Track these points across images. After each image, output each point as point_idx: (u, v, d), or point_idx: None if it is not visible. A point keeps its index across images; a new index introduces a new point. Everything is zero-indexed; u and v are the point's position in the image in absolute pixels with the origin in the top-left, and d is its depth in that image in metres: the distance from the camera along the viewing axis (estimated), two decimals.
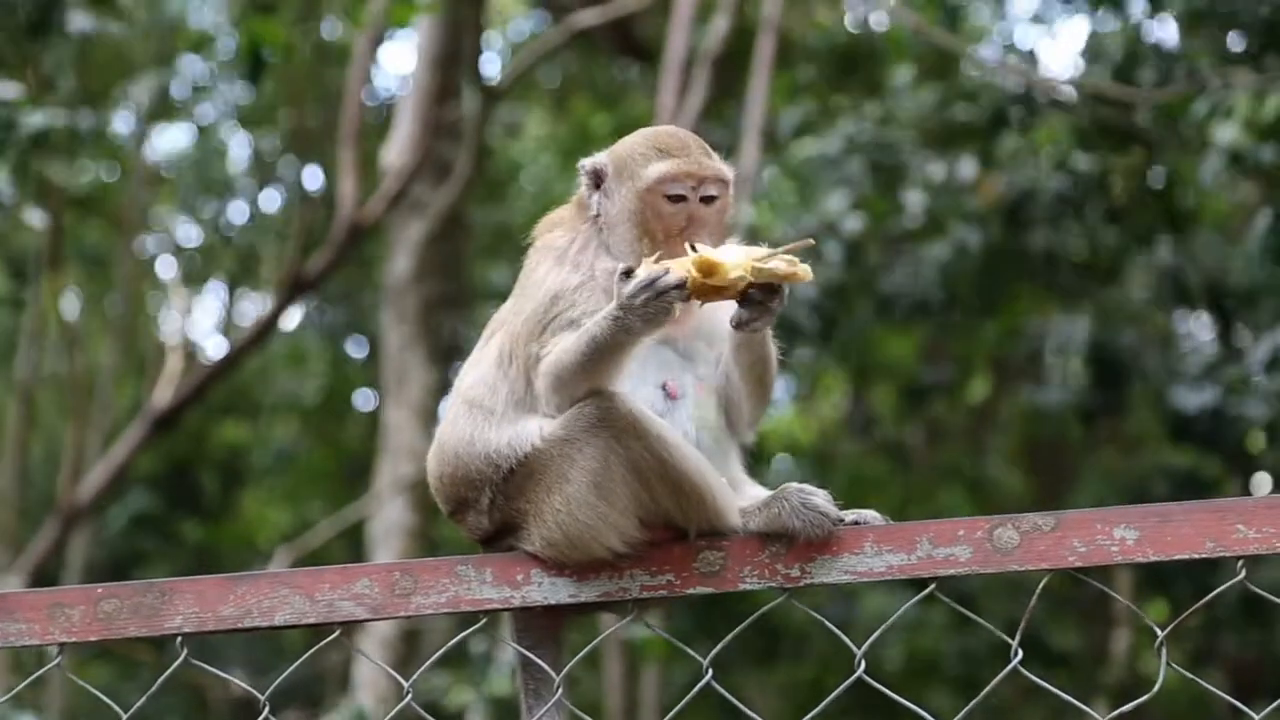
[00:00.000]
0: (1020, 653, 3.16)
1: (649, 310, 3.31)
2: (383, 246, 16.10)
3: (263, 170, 21.18)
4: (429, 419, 13.62)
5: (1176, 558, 3.08)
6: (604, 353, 3.39)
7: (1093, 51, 13.10)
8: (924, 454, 19.92)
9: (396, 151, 13.91)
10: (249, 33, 12.74)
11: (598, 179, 3.69)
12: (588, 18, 15.06)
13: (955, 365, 17.74)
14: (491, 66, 18.76)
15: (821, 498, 3.27)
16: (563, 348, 3.47)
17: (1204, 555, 3.06)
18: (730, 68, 14.78)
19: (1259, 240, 11.34)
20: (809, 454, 20.58)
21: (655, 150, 3.66)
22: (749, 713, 3.29)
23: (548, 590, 3.30)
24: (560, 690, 3.42)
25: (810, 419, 21.97)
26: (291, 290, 13.09)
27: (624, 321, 3.33)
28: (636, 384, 3.53)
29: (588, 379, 3.43)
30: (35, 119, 10.48)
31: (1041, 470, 18.87)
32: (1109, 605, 16.37)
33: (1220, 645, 16.09)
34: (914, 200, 13.06)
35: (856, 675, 3.25)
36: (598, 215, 3.68)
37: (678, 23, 14.04)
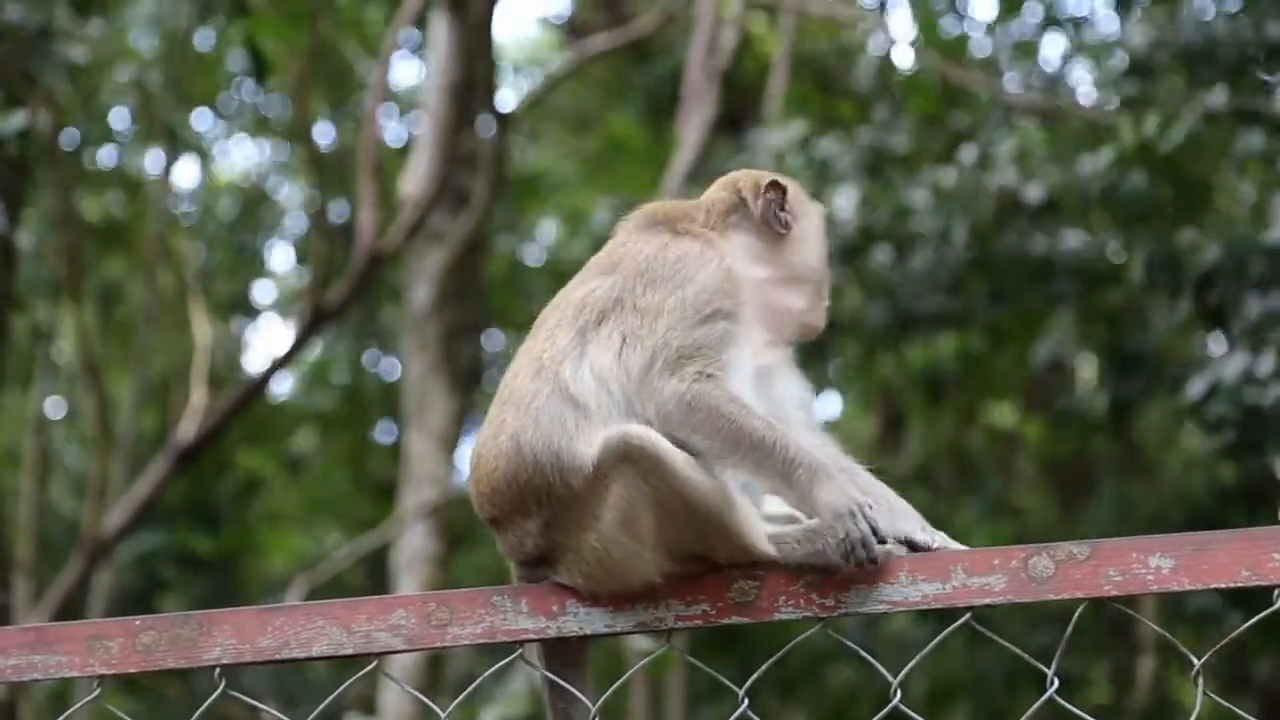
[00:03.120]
0: (1056, 681, 3.17)
1: (853, 548, 3.21)
2: (403, 274, 16.16)
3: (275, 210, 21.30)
4: (450, 446, 13.68)
5: (1213, 586, 3.08)
6: (774, 473, 3.30)
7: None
8: (951, 478, 19.96)
9: (414, 181, 13.96)
10: (245, 31, 12.93)
11: (784, 196, 3.64)
12: (601, 42, 15.17)
13: (975, 387, 17.76)
14: (507, 94, 18.85)
15: (863, 531, 3.22)
16: (745, 410, 3.30)
17: (1240, 584, 3.05)
18: (744, 86, 14.91)
19: None
20: None
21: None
22: None
23: (584, 620, 3.30)
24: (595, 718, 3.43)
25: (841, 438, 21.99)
26: (313, 320, 13.13)
27: (835, 511, 3.24)
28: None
29: (731, 456, 3.31)
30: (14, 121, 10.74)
31: (1064, 492, 18.88)
32: (1133, 631, 16.34)
33: (1251, 672, 16.06)
34: (920, 198, 13.27)
35: (893, 704, 3.25)
36: (785, 228, 3.61)
37: (697, 38, 14.25)
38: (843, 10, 15.84)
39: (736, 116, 16.22)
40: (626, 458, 3.28)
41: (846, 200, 13.39)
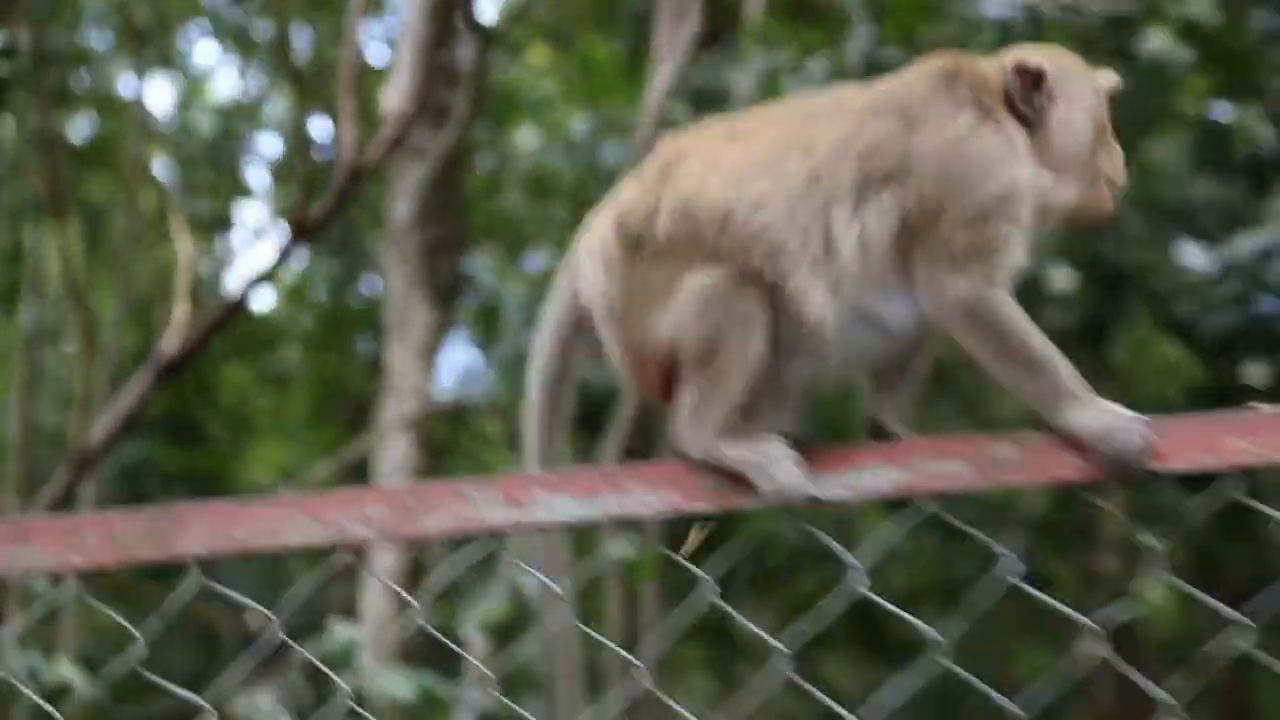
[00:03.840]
0: (1013, 564, 3.16)
1: (1136, 447, 3.05)
2: (384, 192, 16.12)
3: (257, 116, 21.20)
4: (430, 358, 13.71)
5: (1176, 469, 3.08)
6: (1038, 389, 3.14)
7: None
8: (931, 390, 20.01)
9: (395, 97, 13.90)
10: None
11: (1037, 80, 3.28)
12: None
13: None
14: (488, 9, 18.75)
15: (788, 470, 3.15)
16: (1026, 325, 3.14)
17: (1199, 469, 3.06)
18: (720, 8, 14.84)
19: None
20: None
21: (1085, 64, 3.41)
22: (751, 626, 3.30)
23: (554, 510, 3.29)
24: (565, 605, 3.45)
25: None
26: (295, 234, 13.10)
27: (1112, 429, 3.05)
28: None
29: (1000, 365, 3.16)
30: None
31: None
32: (1096, 532, 16.47)
33: (1215, 571, 16.18)
34: None
35: (857, 593, 3.24)
36: (1034, 119, 3.27)
37: None
38: None
39: (717, 33, 16.12)
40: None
41: None
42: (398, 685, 9.51)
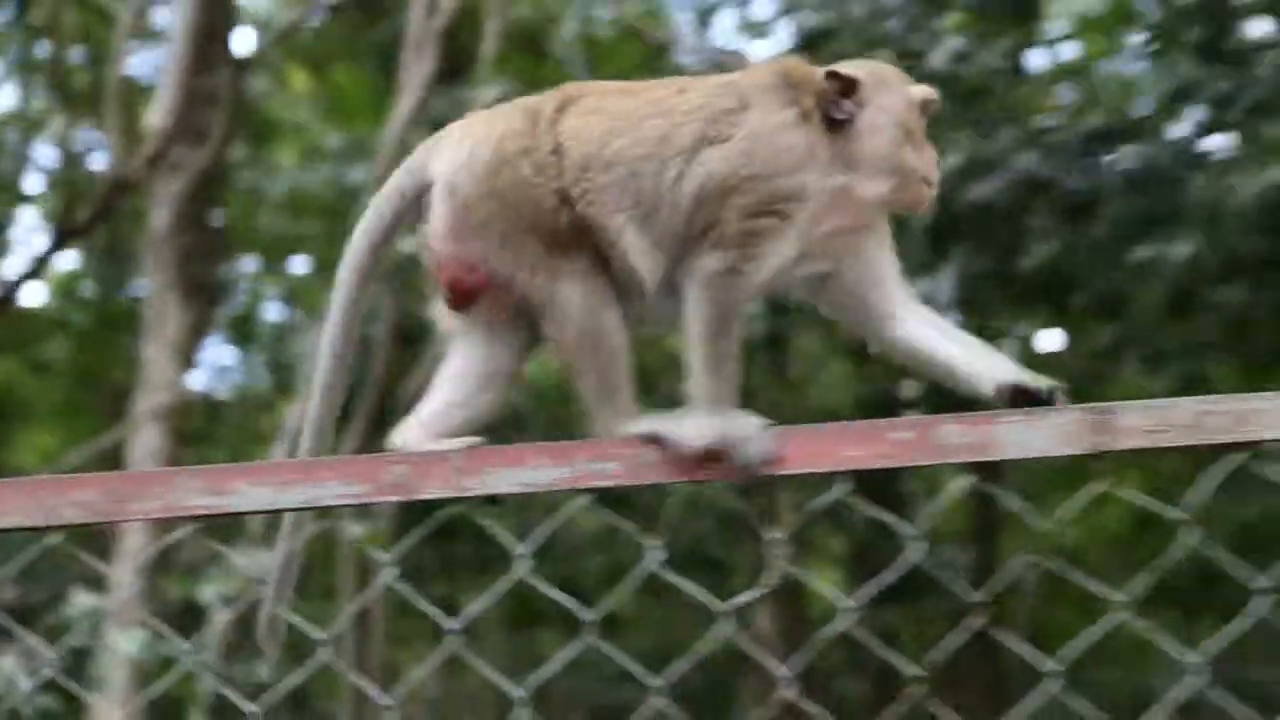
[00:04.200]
0: (657, 554, 3.22)
1: (759, 453, 3.07)
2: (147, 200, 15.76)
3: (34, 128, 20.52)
4: (185, 355, 13.46)
5: (795, 471, 3.17)
6: (706, 380, 3.15)
7: None
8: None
9: (159, 116, 13.63)
10: None
11: (849, 88, 3.26)
12: None
13: None
14: (246, 39, 18.46)
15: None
16: (737, 321, 3.14)
17: (805, 470, 3.15)
18: (461, 43, 14.88)
19: None
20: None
21: (903, 77, 3.39)
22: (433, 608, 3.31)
23: (250, 499, 3.24)
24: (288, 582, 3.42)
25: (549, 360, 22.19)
26: (62, 237, 12.78)
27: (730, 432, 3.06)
28: None
29: (702, 345, 3.15)
30: None
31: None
32: (775, 523, 16.81)
33: (873, 559, 16.60)
34: None
35: (521, 574, 3.27)
36: (845, 121, 3.24)
37: (416, 2, 14.20)
38: None
39: (455, 70, 16.12)
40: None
41: None
42: (130, 644, 9.39)
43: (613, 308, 3.20)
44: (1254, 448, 2.97)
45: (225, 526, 3.08)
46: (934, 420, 3.11)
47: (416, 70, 13.80)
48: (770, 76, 3.27)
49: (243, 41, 17.61)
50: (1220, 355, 11.78)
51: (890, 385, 14.17)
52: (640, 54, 14.37)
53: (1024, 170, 11.67)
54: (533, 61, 15.37)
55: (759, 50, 14.78)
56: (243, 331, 21.11)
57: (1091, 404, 3.07)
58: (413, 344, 15.95)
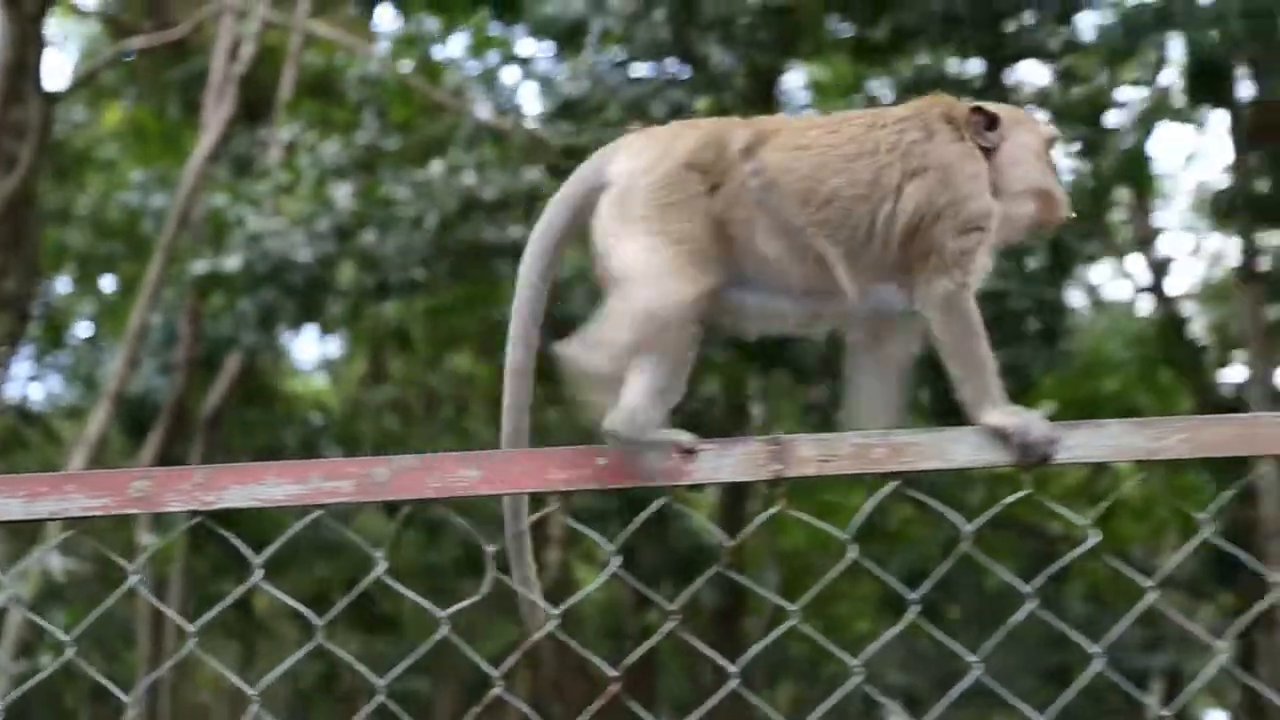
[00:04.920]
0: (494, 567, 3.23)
1: (1044, 438, 3.01)
2: None
3: None
4: None
5: (510, 491, 3.20)
6: (974, 385, 3.09)
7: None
8: (420, 407, 20.15)
9: None
10: None
11: (993, 122, 3.29)
12: (140, 41, 14.65)
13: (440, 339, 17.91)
14: (56, 77, 17.99)
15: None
16: (981, 325, 3.12)
17: (534, 489, 3.18)
18: (261, 87, 14.69)
19: None
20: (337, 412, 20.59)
21: (1033, 117, 3.45)
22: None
23: (60, 505, 3.15)
24: None
25: (341, 383, 21.91)
26: None
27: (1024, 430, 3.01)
28: None
29: (955, 357, 3.11)
30: None
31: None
32: (547, 529, 16.87)
33: (635, 561, 16.76)
34: (402, 193, 13.52)
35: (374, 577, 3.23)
36: (993, 151, 3.28)
37: (220, 46, 13.95)
38: (342, 35, 15.71)
39: (255, 111, 15.89)
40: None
41: (344, 191, 13.61)
42: None
43: (692, 337, 3.18)
44: (907, 476, 3.09)
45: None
46: None
47: (217, 111, 13.56)
48: (936, 110, 3.30)
49: (53, 76, 17.15)
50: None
51: None
52: (423, 103, 14.34)
53: None
54: (324, 106, 15.23)
55: (531, 109, 14.92)
56: (53, 343, 20.54)
57: (773, 435, 3.15)
58: (209, 365, 15.66)
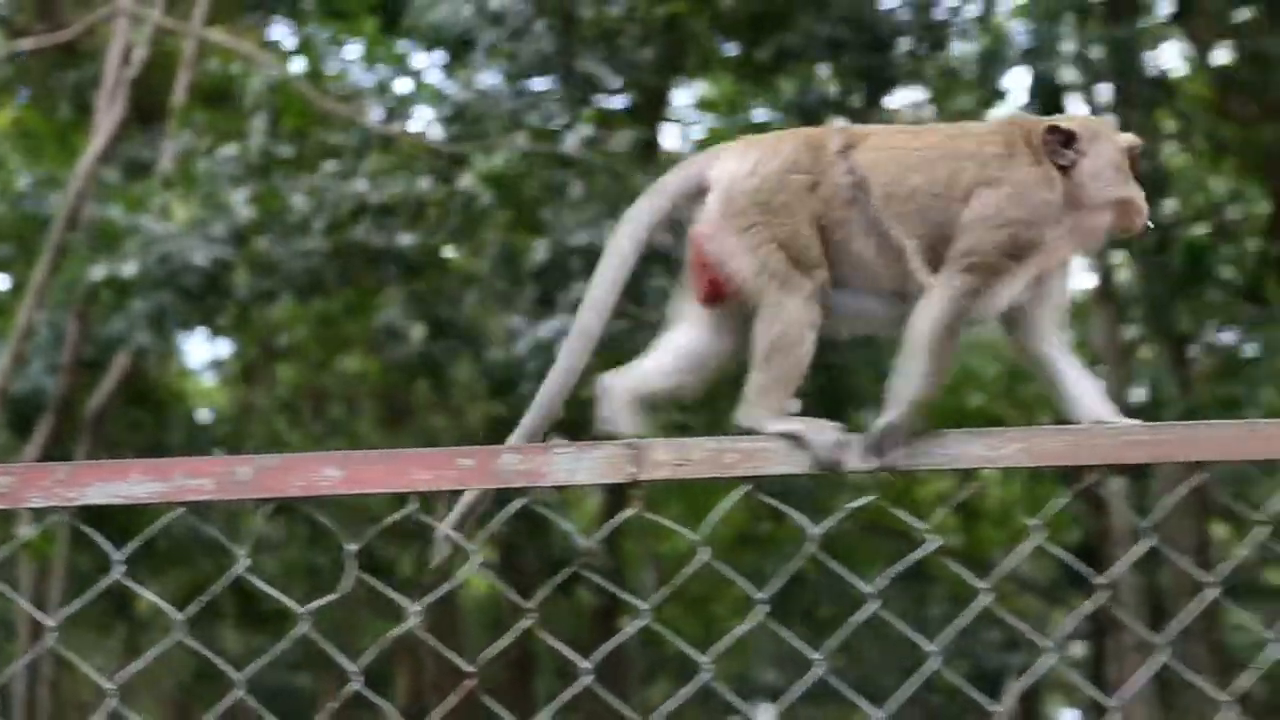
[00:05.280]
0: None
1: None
2: None
3: None
4: None
5: (372, 491, 3.16)
6: (912, 387, 3.13)
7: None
8: (310, 406, 20.01)
9: None
10: None
11: (1069, 139, 3.28)
12: (30, 43, 14.37)
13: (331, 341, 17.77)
14: None
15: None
16: (954, 342, 3.16)
17: (389, 489, 3.14)
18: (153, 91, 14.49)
19: None
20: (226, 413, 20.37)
21: (1112, 127, 3.46)
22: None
23: None
24: None
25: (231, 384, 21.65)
26: None
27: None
28: None
29: (917, 357, 3.15)
30: None
31: (390, 419, 19.24)
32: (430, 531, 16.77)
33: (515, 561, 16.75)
34: (299, 201, 13.44)
35: (240, 574, 3.17)
36: (1070, 167, 3.27)
37: (113, 50, 13.72)
38: (236, 42, 15.52)
39: (147, 115, 15.62)
40: None
41: (241, 196, 13.52)
42: None
43: (816, 330, 3.20)
44: (759, 481, 3.10)
45: None
46: (496, 450, 3.14)
47: (109, 113, 13.30)
48: (1016, 130, 3.32)
49: None
50: None
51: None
52: (316, 112, 14.20)
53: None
54: (218, 112, 15.03)
55: (422, 118, 14.85)
56: None
57: (629, 440, 3.15)
58: (93, 367, 15.37)
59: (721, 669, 3.16)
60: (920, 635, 3.01)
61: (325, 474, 3.16)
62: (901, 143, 3.32)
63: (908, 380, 3.12)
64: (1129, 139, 3.44)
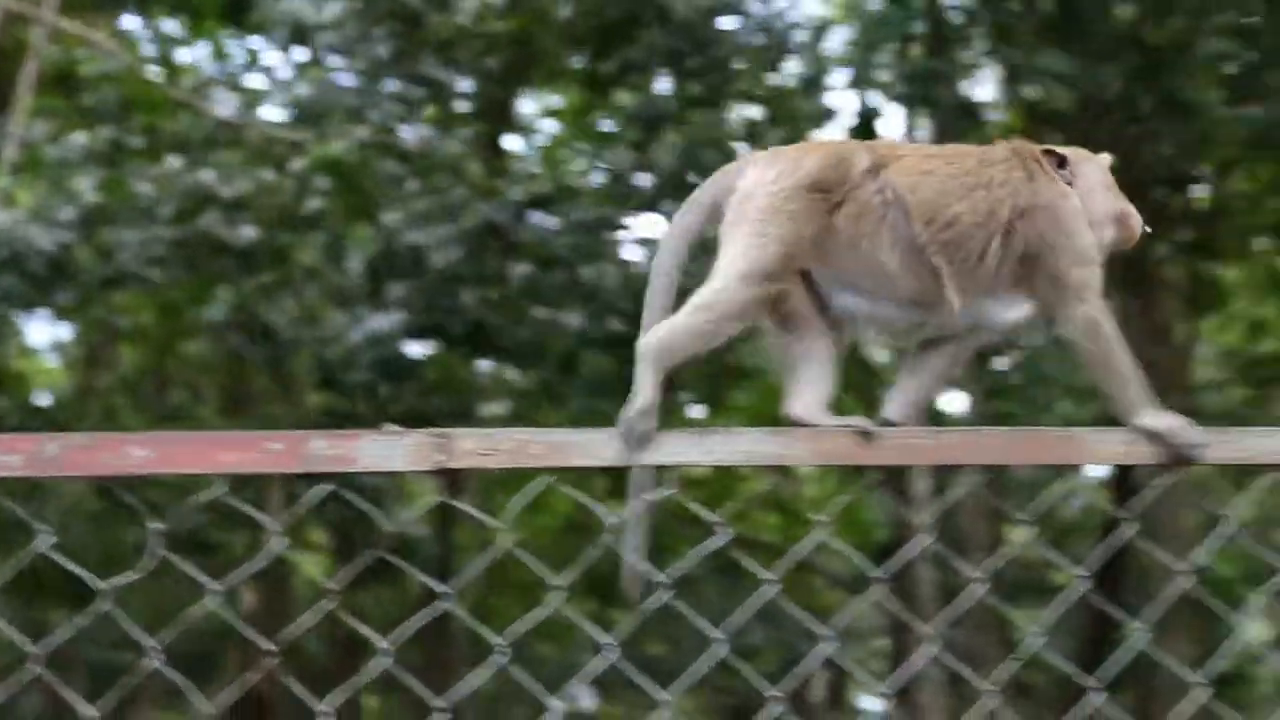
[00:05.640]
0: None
1: (1186, 445, 3.20)
2: None
3: None
4: None
5: (181, 471, 3.09)
6: (1121, 392, 3.24)
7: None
8: (154, 394, 19.62)
9: None
10: None
11: (1063, 162, 3.41)
12: None
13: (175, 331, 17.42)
14: None
15: None
16: (1121, 339, 3.27)
17: (201, 470, 3.09)
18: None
19: None
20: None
21: (1088, 152, 3.54)
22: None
23: None
24: None
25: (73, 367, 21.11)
26: None
27: None
28: None
29: (1101, 370, 3.27)
30: None
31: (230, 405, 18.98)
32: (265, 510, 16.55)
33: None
34: (143, 187, 13.36)
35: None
36: (1070, 185, 3.39)
37: None
38: (86, 31, 15.12)
39: None
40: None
41: (89, 183, 13.33)
42: None
43: (736, 327, 3.26)
44: (577, 471, 3.12)
45: None
46: (305, 435, 3.10)
47: None
48: (1030, 152, 3.41)
49: None
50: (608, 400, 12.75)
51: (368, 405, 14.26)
52: (164, 102, 13.93)
53: (483, 220, 12.22)
54: (65, 100, 14.64)
55: (269, 115, 14.65)
56: None
57: (436, 429, 3.14)
58: None
59: (550, 654, 3.17)
60: (710, 624, 3.05)
61: (133, 454, 3.09)
62: (936, 167, 3.39)
63: (1125, 386, 3.23)
64: (1106, 158, 3.60)
